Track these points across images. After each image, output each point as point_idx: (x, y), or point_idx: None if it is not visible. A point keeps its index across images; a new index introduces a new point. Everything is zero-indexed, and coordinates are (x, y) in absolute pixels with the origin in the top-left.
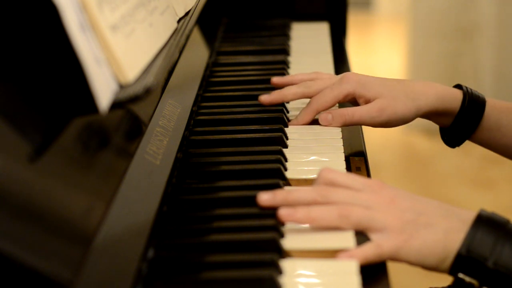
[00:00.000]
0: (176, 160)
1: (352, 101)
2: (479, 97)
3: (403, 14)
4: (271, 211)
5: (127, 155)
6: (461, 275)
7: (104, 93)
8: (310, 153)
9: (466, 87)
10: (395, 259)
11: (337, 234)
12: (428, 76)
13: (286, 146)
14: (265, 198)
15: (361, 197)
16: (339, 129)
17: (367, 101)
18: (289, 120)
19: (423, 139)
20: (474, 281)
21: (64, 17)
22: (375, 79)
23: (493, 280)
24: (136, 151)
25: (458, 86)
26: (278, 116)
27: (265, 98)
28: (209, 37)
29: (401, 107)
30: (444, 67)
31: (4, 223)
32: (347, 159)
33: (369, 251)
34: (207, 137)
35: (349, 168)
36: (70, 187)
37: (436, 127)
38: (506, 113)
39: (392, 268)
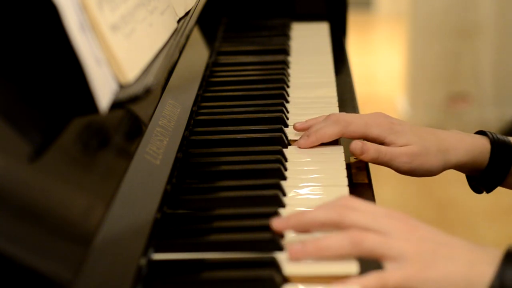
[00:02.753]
0: (176, 160)
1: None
2: (505, 142)
3: (403, 14)
4: (271, 211)
5: (127, 155)
6: None
7: (104, 93)
8: (310, 153)
9: (492, 134)
10: None
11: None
12: (428, 76)
13: (286, 146)
14: (277, 223)
15: (380, 221)
16: None
17: None
18: (288, 119)
19: None
20: None
21: (64, 17)
22: (408, 126)
23: None
24: (136, 151)
25: (482, 133)
26: (278, 116)
27: (304, 143)
28: (209, 37)
29: (431, 159)
30: (444, 67)
31: (4, 223)
32: (347, 159)
33: (371, 282)
34: (207, 137)
35: (349, 168)
36: (70, 187)
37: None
38: None
39: None
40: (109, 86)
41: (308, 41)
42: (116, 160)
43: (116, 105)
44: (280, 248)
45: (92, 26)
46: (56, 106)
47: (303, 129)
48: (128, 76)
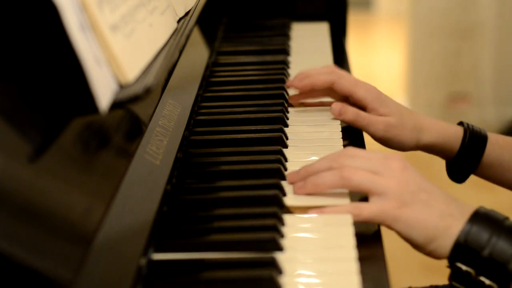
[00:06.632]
0: (176, 160)
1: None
2: (480, 133)
3: (403, 14)
4: (271, 211)
5: (127, 155)
6: (458, 265)
7: (104, 93)
8: (310, 153)
9: (468, 124)
10: (383, 224)
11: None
12: (428, 76)
13: (286, 146)
14: (291, 176)
15: (374, 162)
16: (339, 129)
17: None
18: (288, 119)
19: None
20: (470, 270)
21: (64, 17)
22: (392, 100)
23: (488, 268)
24: (136, 151)
25: (461, 124)
26: (278, 116)
27: (296, 83)
28: (209, 37)
29: (406, 134)
30: (444, 67)
31: (4, 223)
32: None
33: (346, 209)
34: (207, 137)
35: None
36: (70, 187)
37: None
38: (507, 148)
39: (392, 266)
40: (109, 86)
41: (308, 41)
42: (116, 160)
43: (116, 105)
44: (280, 248)
45: (92, 26)
46: (56, 106)
47: (301, 85)
48: (128, 76)
